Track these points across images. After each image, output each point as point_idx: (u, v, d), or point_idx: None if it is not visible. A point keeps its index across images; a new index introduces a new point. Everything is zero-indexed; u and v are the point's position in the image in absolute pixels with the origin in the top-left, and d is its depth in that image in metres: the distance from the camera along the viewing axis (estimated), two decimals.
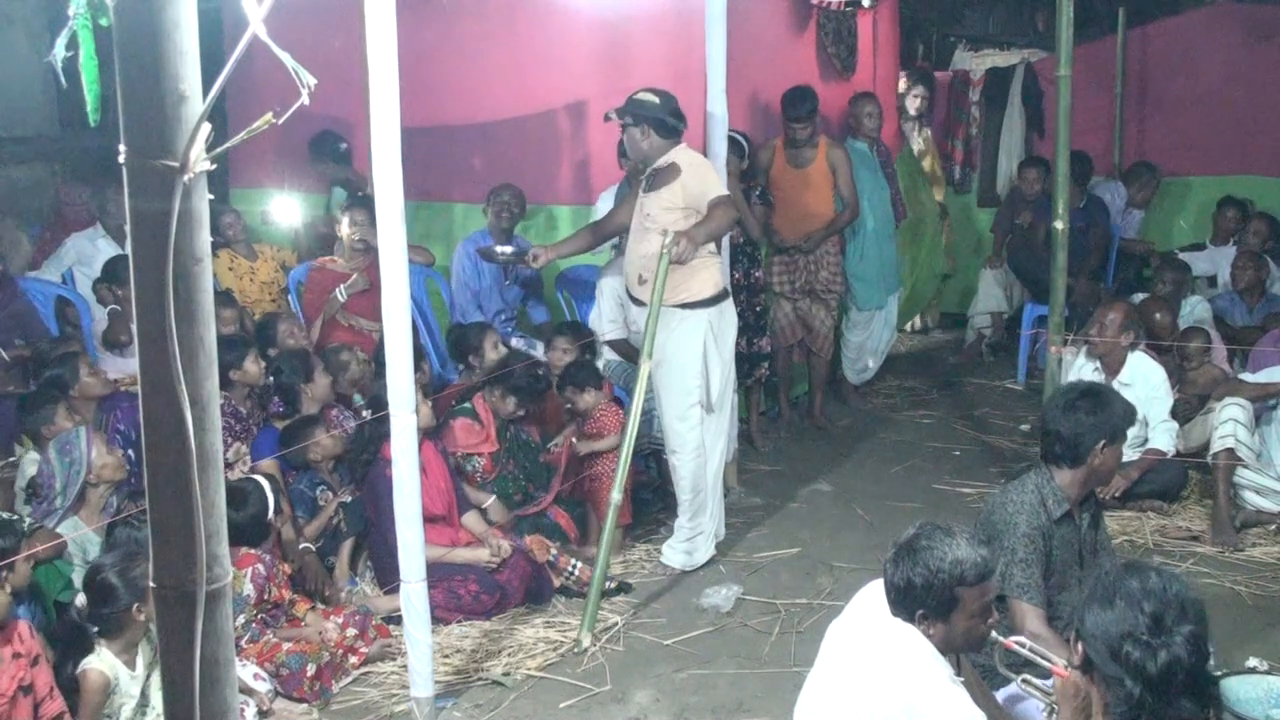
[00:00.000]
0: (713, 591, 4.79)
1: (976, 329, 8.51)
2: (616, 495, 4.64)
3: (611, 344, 5.95)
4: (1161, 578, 2.33)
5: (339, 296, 6.12)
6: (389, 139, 3.53)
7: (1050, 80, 6.73)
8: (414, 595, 3.85)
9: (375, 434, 4.65)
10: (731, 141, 5.95)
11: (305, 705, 4.02)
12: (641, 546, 5.32)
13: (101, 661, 3.52)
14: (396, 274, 3.65)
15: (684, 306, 4.88)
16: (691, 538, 5.08)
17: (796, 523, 5.61)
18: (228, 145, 1.55)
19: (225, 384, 4.90)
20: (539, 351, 5.93)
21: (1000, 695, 3.18)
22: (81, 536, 4.06)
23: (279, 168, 7.17)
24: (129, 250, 1.49)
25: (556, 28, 6.48)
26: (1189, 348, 6.09)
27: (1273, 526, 5.30)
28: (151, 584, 1.56)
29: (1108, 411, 3.55)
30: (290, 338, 5.62)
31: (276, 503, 4.32)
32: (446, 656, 4.31)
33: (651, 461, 5.71)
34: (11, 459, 4.53)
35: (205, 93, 1.46)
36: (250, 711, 3.77)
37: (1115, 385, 5.35)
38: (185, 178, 1.45)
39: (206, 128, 1.45)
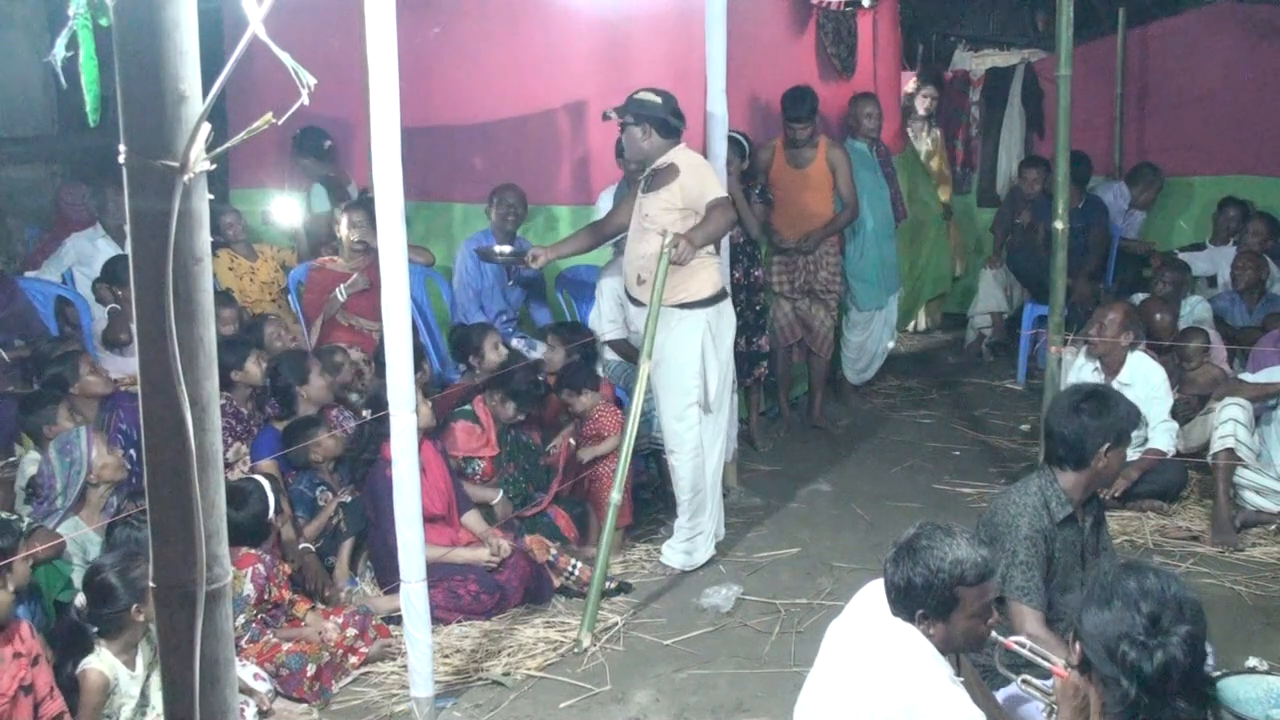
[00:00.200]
0: (713, 591, 4.79)
1: (976, 329, 8.51)
2: (616, 495, 4.64)
3: (611, 344, 5.95)
4: (1159, 578, 2.33)
5: (339, 296, 6.13)
6: (389, 139, 3.52)
7: (1050, 80, 6.73)
8: (414, 595, 3.85)
9: (375, 434, 4.65)
10: (732, 141, 5.95)
11: (305, 705, 4.02)
12: (641, 546, 5.32)
13: (101, 661, 3.52)
14: (396, 274, 3.65)
15: (682, 306, 4.88)
16: (691, 538, 5.09)
17: (796, 523, 5.61)
18: (228, 145, 1.55)
19: (227, 385, 4.90)
20: (539, 352, 5.93)
21: (1000, 695, 3.18)
22: (82, 536, 4.06)
23: (279, 167, 7.18)
24: (129, 250, 1.49)
25: (556, 28, 6.48)
26: (1189, 348, 6.09)
27: (1273, 526, 5.30)
28: (151, 584, 1.56)
29: (1112, 414, 3.55)
30: (278, 339, 5.62)
31: (277, 503, 4.32)
32: (446, 656, 4.31)
33: (651, 461, 5.71)
34: (12, 459, 4.52)
35: (205, 93, 1.46)
36: (250, 711, 3.77)
37: (1115, 385, 5.35)
38: (185, 178, 1.45)
39: (206, 128, 1.45)
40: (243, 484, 4.22)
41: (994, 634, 2.82)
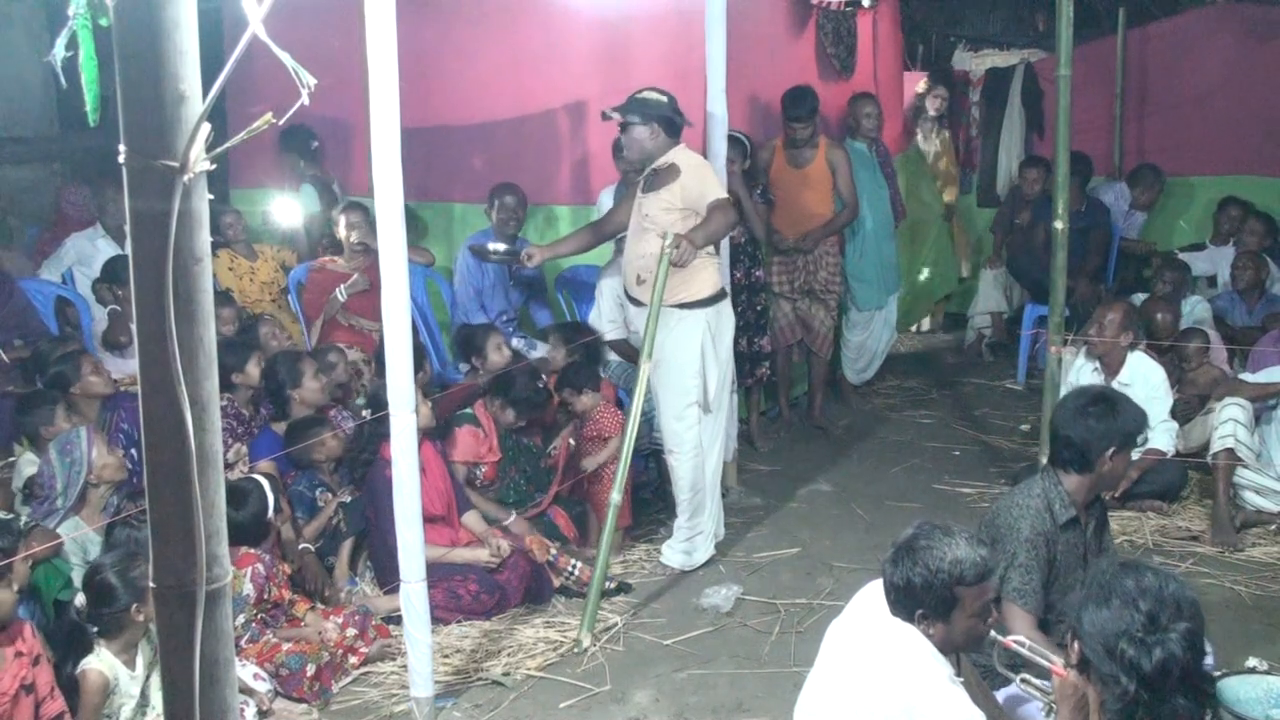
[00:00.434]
0: (713, 591, 4.79)
1: (976, 329, 8.51)
2: (616, 496, 4.64)
3: (611, 344, 5.95)
4: (1157, 576, 2.34)
5: (339, 296, 6.13)
6: (389, 139, 3.53)
7: (1050, 80, 6.72)
8: (414, 595, 3.85)
9: (374, 434, 4.65)
10: (734, 141, 5.95)
11: (305, 705, 4.02)
12: (641, 546, 5.32)
13: (101, 661, 3.52)
14: (396, 274, 3.65)
15: (681, 306, 4.88)
16: (690, 538, 5.09)
17: (796, 523, 5.61)
18: (228, 145, 1.55)
19: (227, 387, 4.90)
20: (539, 352, 5.93)
21: (1000, 695, 3.18)
22: (82, 536, 4.06)
23: (278, 168, 7.18)
24: (129, 250, 1.49)
25: (556, 28, 6.48)
26: (1189, 348, 6.09)
27: (1273, 526, 5.30)
28: (151, 584, 1.56)
29: (1119, 418, 3.54)
30: (273, 340, 5.62)
31: (276, 502, 4.32)
32: (446, 656, 4.31)
33: (651, 461, 5.71)
34: (11, 459, 4.52)
35: (205, 93, 1.46)
36: (250, 711, 3.77)
37: (1115, 385, 5.35)
38: (185, 178, 1.45)
39: (206, 128, 1.45)
40: (242, 484, 4.22)
41: (993, 633, 2.82)
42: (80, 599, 3.63)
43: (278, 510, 4.37)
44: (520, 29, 6.56)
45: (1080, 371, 5.65)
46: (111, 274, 5.93)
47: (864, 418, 7.18)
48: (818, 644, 2.95)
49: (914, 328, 9.09)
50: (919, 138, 8.66)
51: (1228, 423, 5.29)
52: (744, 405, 6.44)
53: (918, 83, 9.05)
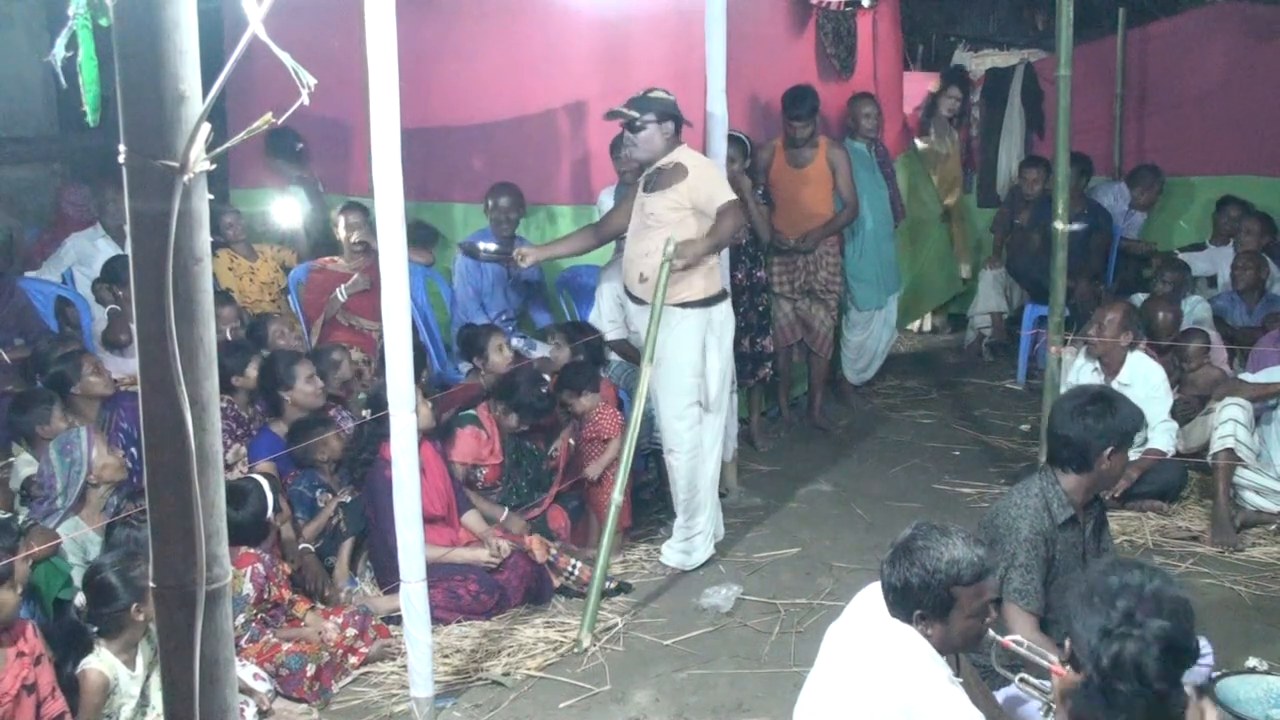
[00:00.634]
0: (713, 591, 4.79)
1: (976, 329, 8.51)
2: (618, 497, 4.63)
3: (611, 344, 5.95)
4: (1143, 573, 2.34)
5: (339, 296, 6.13)
6: (389, 139, 3.53)
7: (1050, 80, 6.72)
8: (414, 595, 3.85)
9: (375, 434, 4.65)
10: (734, 140, 5.96)
11: (305, 705, 4.02)
12: (641, 546, 5.32)
13: (101, 661, 3.52)
14: (396, 274, 3.65)
15: (683, 306, 4.88)
16: (689, 537, 5.09)
17: (796, 523, 5.60)
18: (228, 145, 1.55)
19: (227, 389, 4.89)
20: (540, 352, 5.93)
21: (999, 696, 3.18)
22: (82, 536, 4.06)
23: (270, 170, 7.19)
24: (129, 250, 1.49)
25: (556, 28, 6.48)
26: (1189, 348, 6.08)
27: (1273, 526, 5.30)
28: (151, 584, 1.56)
29: (1117, 417, 3.55)
30: (281, 338, 5.62)
31: (275, 502, 4.32)
32: (446, 656, 4.31)
33: (651, 461, 5.71)
34: (10, 459, 4.52)
35: (205, 93, 1.46)
36: (250, 711, 3.77)
37: (1115, 385, 5.35)
38: (185, 178, 1.45)
39: (206, 128, 1.45)
40: (241, 483, 4.21)
41: (991, 633, 2.82)
42: (80, 599, 3.63)
43: (277, 510, 4.36)
44: (520, 29, 6.56)
45: (1080, 371, 5.65)
46: (111, 274, 5.92)
47: (864, 418, 7.17)
48: (818, 644, 2.95)
49: (915, 327, 9.08)
50: (932, 138, 8.64)
51: (1228, 423, 5.29)
52: (744, 405, 6.44)
53: (931, 82, 9.03)
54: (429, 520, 4.23)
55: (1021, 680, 2.88)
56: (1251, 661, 3.73)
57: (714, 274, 5.03)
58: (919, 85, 9.24)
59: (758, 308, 6.43)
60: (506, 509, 5.07)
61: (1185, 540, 5.25)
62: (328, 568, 4.68)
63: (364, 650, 4.27)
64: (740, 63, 5.84)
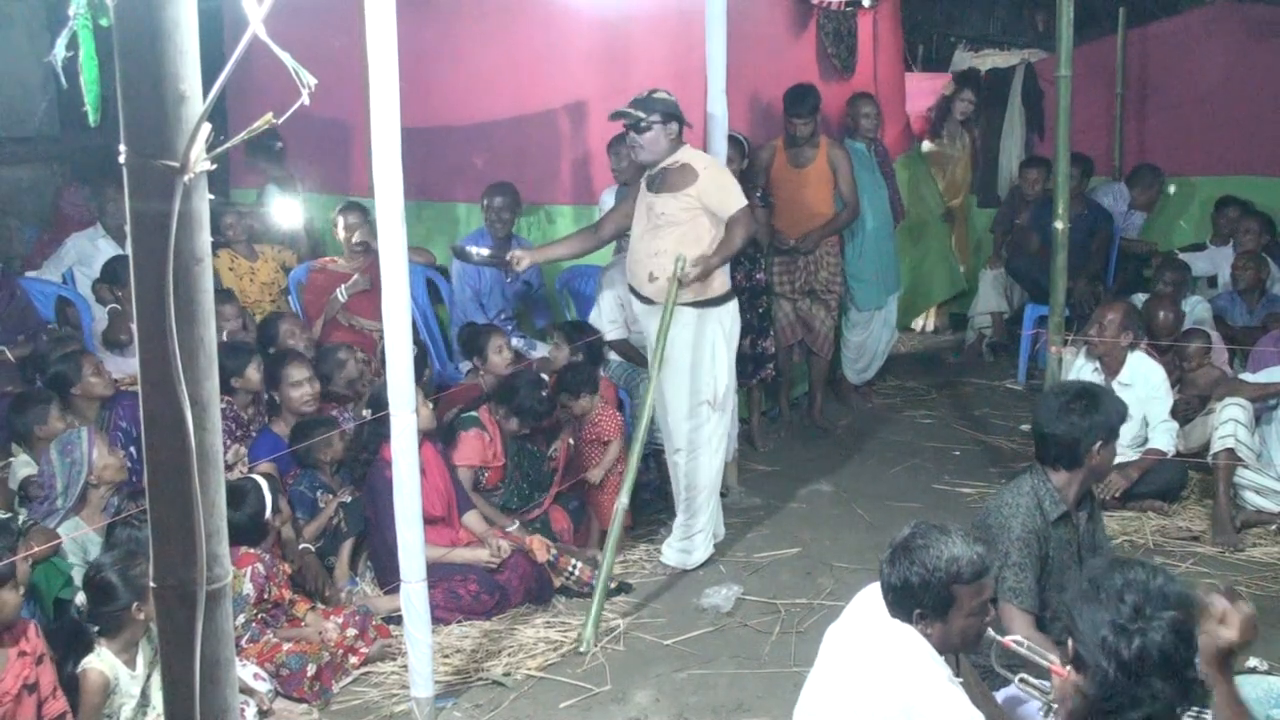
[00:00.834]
0: (713, 591, 4.79)
1: (977, 329, 8.51)
2: (624, 499, 4.63)
3: (611, 344, 5.95)
4: (1146, 570, 2.34)
5: (340, 296, 6.13)
6: (389, 139, 3.53)
7: (1050, 80, 6.72)
8: (414, 595, 3.85)
9: (375, 434, 4.65)
10: (732, 140, 5.95)
11: (305, 705, 4.02)
12: (641, 546, 5.31)
13: (101, 661, 3.52)
14: (396, 274, 3.65)
15: (696, 305, 4.89)
16: (689, 537, 5.08)
17: (796, 523, 5.60)
18: (228, 145, 1.55)
19: (228, 390, 4.89)
20: (539, 352, 5.93)
21: (999, 696, 3.18)
22: (82, 536, 4.06)
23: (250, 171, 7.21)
24: (129, 250, 1.49)
25: (556, 28, 6.48)
26: (1189, 348, 6.08)
27: (1273, 526, 5.30)
28: (152, 583, 1.56)
29: (1101, 411, 3.56)
30: (291, 338, 5.62)
31: (275, 502, 4.32)
32: (446, 656, 4.31)
33: (651, 461, 5.70)
34: (10, 459, 4.52)
35: (205, 93, 1.46)
36: (250, 711, 3.77)
37: (1115, 385, 5.36)
38: (185, 178, 1.45)
39: (206, 128, 1.45)
40: (240, 483, 4.22)
41: (991, 633, 2.82)
42: (81, 598, 3.63)
43: (276, 510, 4.37)
44: (520, 29, 6.56)
45: (1080, 371, 5.64)
46: (111, 274, 5.93)
47: (864, 418, 7.17)
48: (818, 644, 2.95)
49: (916, 327, 9.08)
50: (944, 140, 8.62)
51: (1228, 423, 5.29)
52: (745, 405, 6.44)
53: (941, 84, 9.01)
54: (429, 520, 4.23)
55: (1021, 680, 2.88)
56: (1252, 661, 3.72)
57: (724, 274, 5.05)
58: (919, 85, 9.24)
59: (758, 309, 6.42)
60: (517, 522, 5.05)
61: (1186, 540, 5.25)
62: (328, 568, 4.69)
63: (364, 650, 4.27)
64: (740, 63, 5.84)
